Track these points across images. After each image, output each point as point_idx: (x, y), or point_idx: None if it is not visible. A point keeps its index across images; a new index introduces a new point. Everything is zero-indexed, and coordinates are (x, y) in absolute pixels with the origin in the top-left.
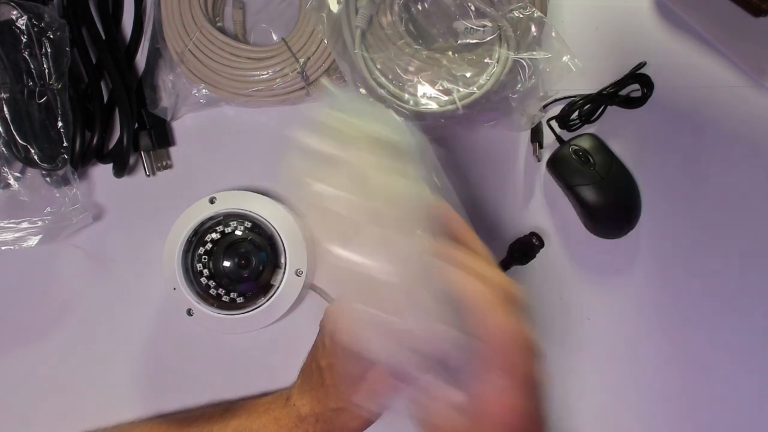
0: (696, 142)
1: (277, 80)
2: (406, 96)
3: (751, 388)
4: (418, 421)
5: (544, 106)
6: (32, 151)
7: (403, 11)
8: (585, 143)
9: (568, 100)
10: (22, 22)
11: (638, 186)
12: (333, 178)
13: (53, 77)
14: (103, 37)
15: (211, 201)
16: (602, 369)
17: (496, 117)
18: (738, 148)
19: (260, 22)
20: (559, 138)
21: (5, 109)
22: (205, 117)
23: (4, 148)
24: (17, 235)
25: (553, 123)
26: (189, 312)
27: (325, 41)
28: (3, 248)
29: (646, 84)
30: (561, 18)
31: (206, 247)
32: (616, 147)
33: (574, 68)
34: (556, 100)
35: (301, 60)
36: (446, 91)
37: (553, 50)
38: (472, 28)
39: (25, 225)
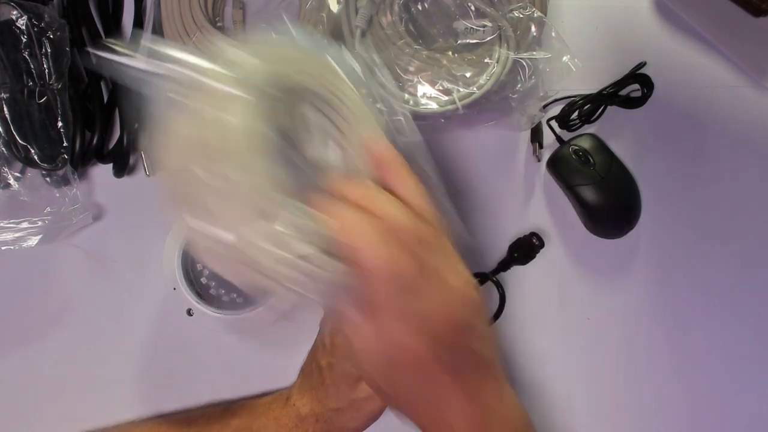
0: (696, 142)
1: None
2: (406, 96)
3: (751, 388)
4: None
5: (544, 106)
6: (32, 151)
7: (403, 11)
8: (585, 143)
9: (568, 100)
10: (22, 22)
11: (638, 186)
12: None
13: (53, 77)
14: (103, 37)
15: None
16: (602, 368)
17: (496, 117)
18: (738, 148)
19: (260, 22)
20: (559, 138)
21: (5, 109)
22: None
23: (4, 148)
24: (17, 235)
25: (553, 123)
26: (189, 312)
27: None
28: (3, 248)
29: (646, 84)
30: (561, 18)
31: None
32: (616, 147)
33: (574, 68)
34: (556, 100)
35: None
36: (446, 91)
37: (553, 50)
38: (472, 28)
39: (25, 225)
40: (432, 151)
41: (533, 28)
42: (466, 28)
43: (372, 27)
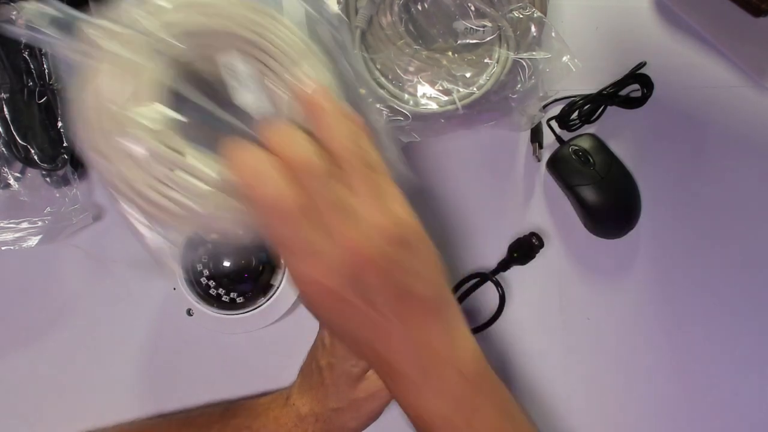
0: (696, 142)
1: None
2: (406, 96)
3: (751, 388)
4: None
5: (544, 106)
6: (32, 151)
7: (403, 11)
8: (585, 143)
9: (568, 100)
10: (22, 23)
11: (638, 186)
12: None
13: (53, 77)
14: None
15: None
16: (602, 369)
17: (496, 117)
18: (738, 148)
19: None
20: (559, 138)
21: (5, 109)
22: None
23: (4, 148)
24: (17, 235)
25: (553, 123)
26: (189, 312)
27: None
28: (3, 248)
29: (646, 84)
30: (561, 18)
31: (206, 247)
32: (616, 147)
33: (573, 68)
34: (556, 100)
35: None
36: (446, 92)
37: (553, 50)
38: (471, 28)
39: (25, 225)
40: (432, 151)
41: (533, 29)
42: (466, 29)
43: (372, 27)
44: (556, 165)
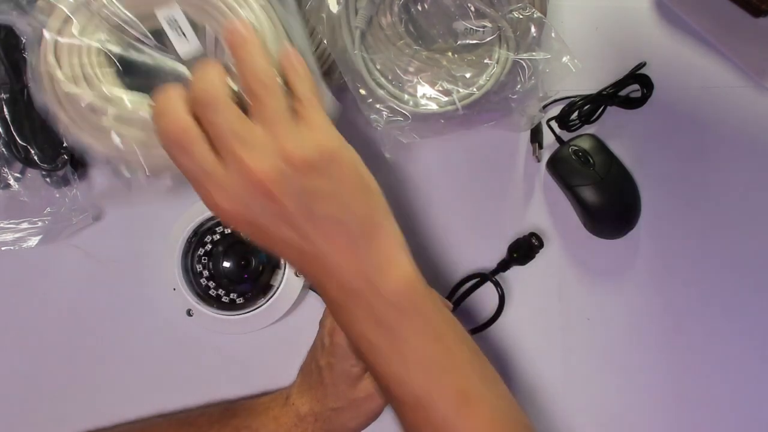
0: (696, 142)
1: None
2: (406, 97)
3: (751, 388)
4: None
5: (544, 107)
6: (32, 151)
7: (403, 12)
8: (585, 144)
9: (568, 101)
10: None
11: (638, 186)
12: None
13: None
14: None
15: None
16: (602, 369)
17: (496, 117)
18: (738, 148)
19: None
20: (558, 138)
21: (5, 109)
22: None
23: (4, 149)
24: (17, 235)
25: (553, 123)
26: (189, 312)
27: (325, 42)
28: (3, 248)
29: (646, 84)
30: (560, 18)
31: (206, 248)
32: (616, 147)
33: (573, 69)
34: (555, 101)
35: None
36: (446, 92)
37: (553, 51)
38: (471, 28)
39: (25, 225)
40: (432, 151)
41: (533, 29)
42: (466, 29)
43: (372, 27)
44: (556, 165)
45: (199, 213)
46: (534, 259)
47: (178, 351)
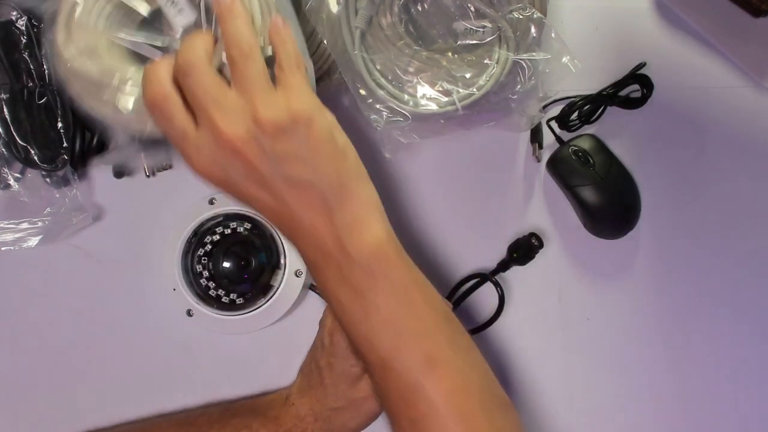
0: (696, 143)
1: None
2: (406, 97)
3: (751, 388)
4: None
5: (544, 107)
6: (32, 151)
7: (403, 12)
8: (585, 144)
9: (568, 101)
10: (21, 23)
11: (638, 186)
12: None
13: (53, 78)
14: None
15: (211, 202)
16: (602, 369)
17: (496, 118)
18: (738, 148)
19: None
20: (558, 138)
21: (5, 109)
22: None
23: (4, 149)
24: (17, 235)
25: (553, 123)
26: (189, 312)
27: (325, 42)
28: (3, 248)
29: (646, 84)
30: (560, 19)
31: (206, 248)
32: (616, 147)
33: (573, 69)
34: (555, 101)
35: None
36: (446, 92)
37: (553, 51)
38: (471, 29)
39: (25, 225)
40: (432, 152)
41: (533, 29)
42: (466, 29)
43: (372, 28)
44: (555, 165)
45: (199, 213)
46: (534, 260)
47: (179, 351)
